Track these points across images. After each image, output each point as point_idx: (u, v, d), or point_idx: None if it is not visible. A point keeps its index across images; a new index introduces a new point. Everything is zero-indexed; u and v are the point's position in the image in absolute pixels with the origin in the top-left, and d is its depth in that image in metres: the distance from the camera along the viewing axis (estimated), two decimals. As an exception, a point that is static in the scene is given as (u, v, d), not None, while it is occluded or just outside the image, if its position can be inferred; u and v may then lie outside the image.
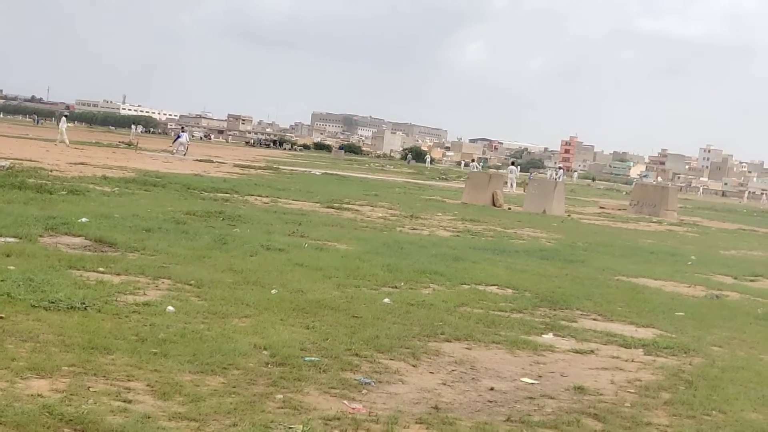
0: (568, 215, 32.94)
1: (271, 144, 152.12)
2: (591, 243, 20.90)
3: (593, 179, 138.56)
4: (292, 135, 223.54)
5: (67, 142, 50.26)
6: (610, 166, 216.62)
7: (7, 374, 5.67)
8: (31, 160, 29.54)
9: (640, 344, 9.11)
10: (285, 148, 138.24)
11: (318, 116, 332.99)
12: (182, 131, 59.57)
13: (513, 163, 62.91)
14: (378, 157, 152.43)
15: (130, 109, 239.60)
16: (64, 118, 54.14)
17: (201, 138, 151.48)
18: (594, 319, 10.41)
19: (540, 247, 18.85)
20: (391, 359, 7.37)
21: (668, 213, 38.47)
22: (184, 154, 52.20)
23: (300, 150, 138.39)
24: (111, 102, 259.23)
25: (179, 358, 6.51)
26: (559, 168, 65.50)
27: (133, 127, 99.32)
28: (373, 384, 6.54)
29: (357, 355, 7.32)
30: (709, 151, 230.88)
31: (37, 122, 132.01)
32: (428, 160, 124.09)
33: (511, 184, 51.40)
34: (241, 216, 17.88)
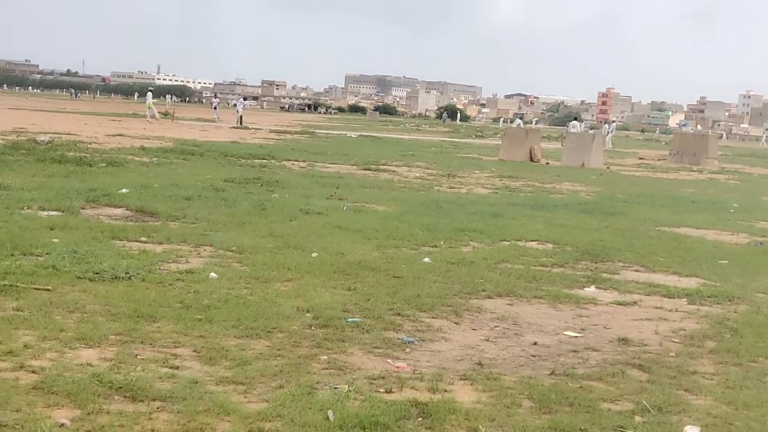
0: (607, 167, 32.67)
1: (306, 108, 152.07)
2: (631, 194, 20.76)
3: (642, 131, 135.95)
4: (327, 98, 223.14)
5: (157, 116, 50.32)
6: (648, 116, 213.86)
7: (56, 345, 5.76)
8: (69, 134, 29.84)
9: (684, 294, 9.05)
10: (320, 112, 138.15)
11: (351, 78, 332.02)
12: (243, 99, 59.36)
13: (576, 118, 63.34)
14: (413, 117, 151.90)
15: (165, 79, 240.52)
16: (149, 94, 53.88)
17: (234, 105, 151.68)
18: (636, 271, 10.35)
19: (579, 200, 18.75)
20: (433, 317, 7.39)
21: (709, 161, 38.06)
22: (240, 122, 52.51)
23: (335, 113, 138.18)
24: (146, 72, 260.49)
25: (224, 323, 6.58)
26: (612, 121, 64.96)
27: (168, 97, 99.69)
28: (416, 342, 6.57)
29: (399, 314, 7.35)
30: (749, 97, 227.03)
31: (75, 95, 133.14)
32: (458, 117, 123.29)
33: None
34: (278, 181, 17.96)
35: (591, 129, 72.97)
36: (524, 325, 7.41)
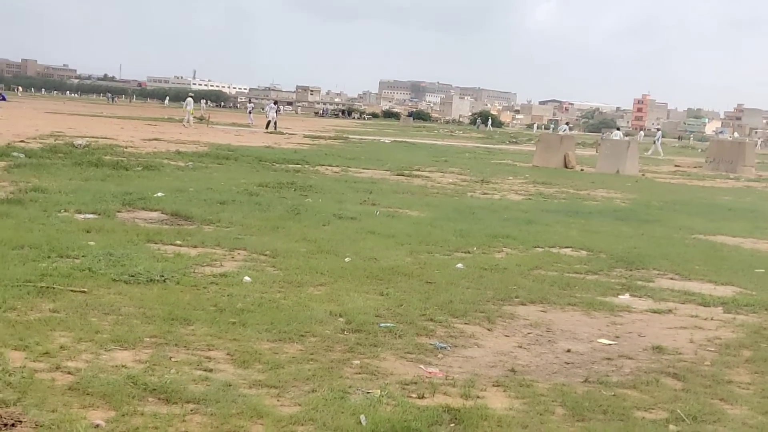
0: (643, 174, 32.43)
1: (340, 114, 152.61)
2: (666, 202, 20.59)
3: (680, 138, 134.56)
4: (360, 104, 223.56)
5: (192, 123, 50.35)
6: (685, 123, 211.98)
7: (92, 346, 5.82)
8: (106, 138, 30.13)
9: (720, 302, 8.95)
10: (354, 118, 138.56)
11: (385, 84, 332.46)
12: (274, 104, 59.53)
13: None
14: (447, 122, 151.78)
15: (200, 84, 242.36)
16: (190, 99, 53.99)
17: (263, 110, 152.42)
18: (671, 279, 10.26)
19: (614, 207, 18.63)
20: (465, 323, 7.37)
21: (746, 169, 37.65)
22: (274, 124, 52.71)
23: (368, 119, 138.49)
24: (182, 78, 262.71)
25: (257, 326, 6.61)
26: (657, 129, 64.79)
27: (202, 102, 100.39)
28: (448, 348, 6.56)
29: (432, 320, 7.34)
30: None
31: (112, 100, 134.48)
32: (489, 123, 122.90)
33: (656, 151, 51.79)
34: (312, 186, 18.02)
35: (627, 135, 72.50)
36: (557, 332, 7.37)
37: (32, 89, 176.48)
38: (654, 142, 59.14)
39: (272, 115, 54.78)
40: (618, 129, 67.66)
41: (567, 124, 75.67)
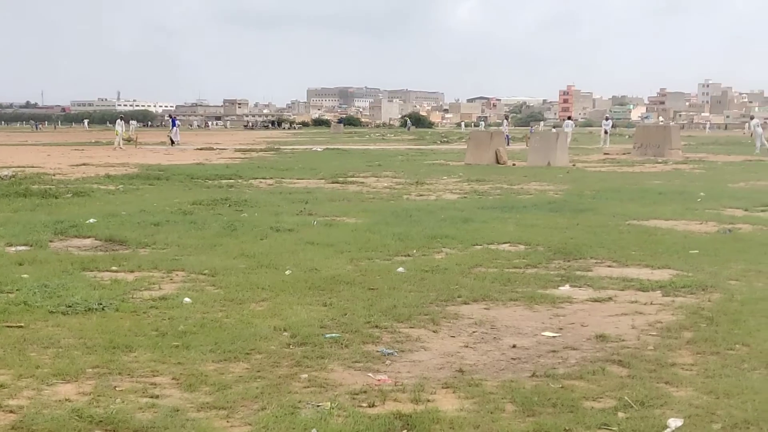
0: (573, 165, 32.87)
1: (270, 125, 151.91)
2: (598, 190, 20.89)
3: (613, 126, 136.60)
4: (290, 114, 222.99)
5: (122, 145, 49.60)
6: (610, 111, 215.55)
7: (33, 382, 5.69)
8: (33, 166, 29.58)
9: (658, 286, 9.10)
10: (284, 128, 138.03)
11: (313, 92, 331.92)
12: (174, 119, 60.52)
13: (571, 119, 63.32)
14: (377, 126, 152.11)
15: (125, 105, 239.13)
16: (119, 121, 53.57)
17: (198, 126, 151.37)
18: (609, 266, 10.41)
19: (548, 199, 18.84)
20: (411, 327, 7.38)
21: (673, 152, 38.39)
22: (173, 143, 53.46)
23: (299, 128, 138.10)
24: (106, 99, 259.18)
25: (201, 348, 6.53)
26: (607, 119, 64.70)
27: (132, 123, 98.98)
28: (395, 354, 6.56)
29: (377, 326, 7.33)
30: (707, 86, 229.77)
31: (36, 127, 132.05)
32: (407, 124, 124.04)
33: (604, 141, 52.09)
34: (247, 200, 17.90)
35: (554, 127, 72.99)
36: (502, 329, 7.42)
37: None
38: (605, 132, 58.44)
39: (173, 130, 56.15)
40: (569, 119, 67.80)
41: (569, 118, 73.55)
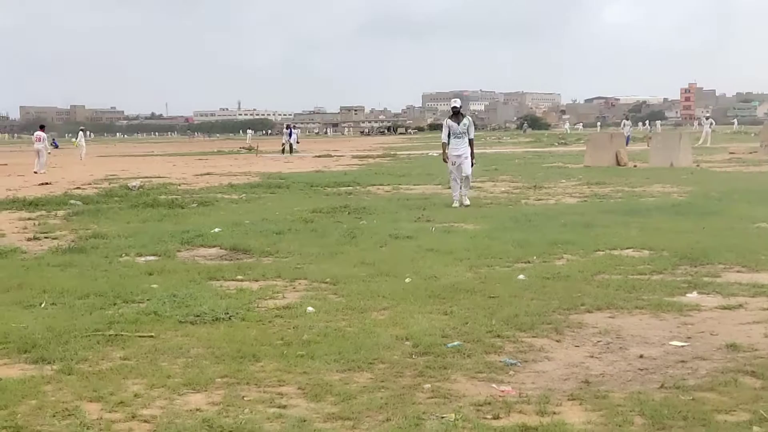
0: (697, 165, 31.96)
1: (386, 131, 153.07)
2: (725, 192, 20.23)
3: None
4: (405, 119, 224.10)
5: (82, 155, 51.04)
6: (735, 109, 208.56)
7: (165, 392, 5.86)
8: (159, 177, 30.56)
9: (791, 293, 8.75)
10: (399, 133, 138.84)
11: (428, 97, 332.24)
12: (294, 129, 62.48)
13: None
14: (493, 129, 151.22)
15: (245, 114, 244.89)
16: (80, 133, 55.75)
17: (317, 133, 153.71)
18: (738, 272, 10.05)
19: (672, 202, 18.36)
20: (533, 337, 7.29)
21: (803, 150, 36.86)
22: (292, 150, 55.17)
23: (414, 133, 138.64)
24: (227, 109, 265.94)
25: (325, 357, 6.60)
26: (707, 117, 63.70)
27: (248, 132, 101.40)
28: (519, 364, 6.49)
29: (499, 336, 7.27)
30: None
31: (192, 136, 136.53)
32: (524, 126, 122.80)
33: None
34: (365, 207, 18.05)
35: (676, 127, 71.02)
36: (628, 338, 7.26)
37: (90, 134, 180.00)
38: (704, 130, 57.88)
39: (285, 139, 58.25)
40: (627, 119, 66.26)
41: (708, 118, 69.75)
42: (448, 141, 18.91)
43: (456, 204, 18.45)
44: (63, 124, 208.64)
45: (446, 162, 19.02)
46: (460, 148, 18.87)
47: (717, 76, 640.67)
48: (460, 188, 18.69)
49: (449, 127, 19.01)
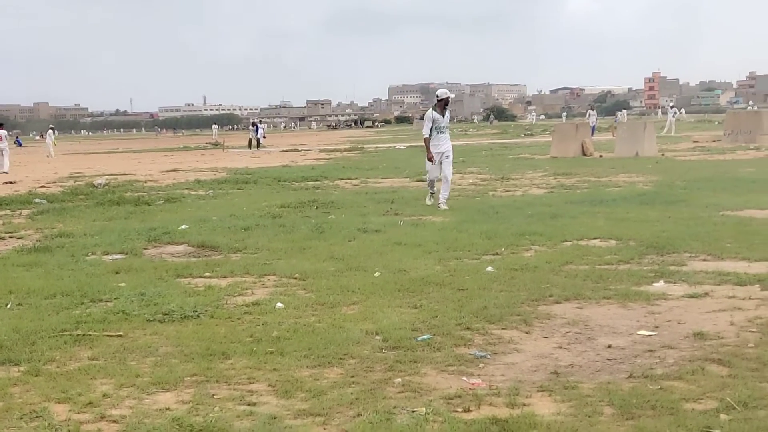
0: (662, 154, 32.23)
1: (353, 124, 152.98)
2: (690, 180, 20.43)
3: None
4: (372, 112, 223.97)
5: (52, 154, 51.16)
6: (698, 97, 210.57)
7: (134, 391, 5.82)
8: (125, 174, 30.32)
9: (756, 280, 8.85)
10: (367, 127, 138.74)
11: (395, 89, 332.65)
12: (260, 124, 62.89)
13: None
14: (459, 121, 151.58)
15: (211, 109, 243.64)
16: (50, 131, 55.76)
17: (284, 128, 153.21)
18: (704, 260, 10.15)
19: (638, 191, 18.51)
20: (503, 329, 7.32)
21: (765, 138, 37.28)
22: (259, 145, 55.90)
23: (381, 126, 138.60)
24: (192, 105, 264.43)
25: (295, 354, 6.58)
26: (672, 106, 64.24)
27: (214, 127, 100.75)
28: (488, 356, 6.51)
29: (468, 328, 7.29)
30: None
31: (158, 132, 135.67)
32: (491, 118, 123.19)
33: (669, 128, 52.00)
34: (333, 202, 18.03)
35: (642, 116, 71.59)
36: (596, 328, 7.31)
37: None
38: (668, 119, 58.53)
39: (252, 135, 58.87)
40: (593, 109, 66.62)
41: (672, 107, 68.82)
42: (431, 135, 17.05)
43: (429, 202, 17.12)
44: (26, 122, 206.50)
45: (431, 161, 17.09)
46: (444, 144, 17.08)
47: (680, 65, 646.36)
48: (439, 191, 16.94)
49: (433, 120, 16.99)
